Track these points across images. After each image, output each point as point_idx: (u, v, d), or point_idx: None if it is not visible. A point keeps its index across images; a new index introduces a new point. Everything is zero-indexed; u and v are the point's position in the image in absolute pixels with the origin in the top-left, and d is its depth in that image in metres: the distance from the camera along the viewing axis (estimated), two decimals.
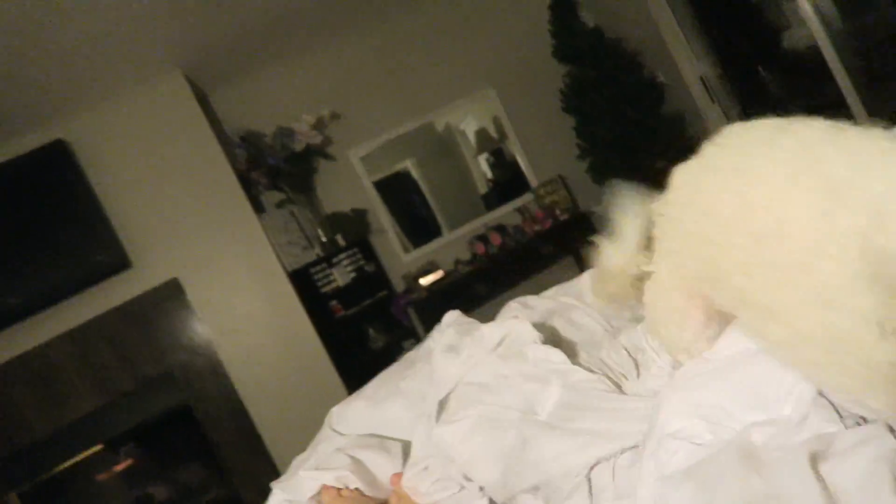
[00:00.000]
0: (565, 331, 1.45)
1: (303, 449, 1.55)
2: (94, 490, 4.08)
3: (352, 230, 4.62)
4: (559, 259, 4.75)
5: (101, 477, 4.09)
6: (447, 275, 4.67)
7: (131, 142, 3.89)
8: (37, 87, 3.42)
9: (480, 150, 5.29)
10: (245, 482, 3.84)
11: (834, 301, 0.61)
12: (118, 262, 3.70)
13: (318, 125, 4.52)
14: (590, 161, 4.74)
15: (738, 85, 4.52)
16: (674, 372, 1.03)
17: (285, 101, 4.69)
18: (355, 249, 4.57)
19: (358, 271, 4.53)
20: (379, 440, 1.55)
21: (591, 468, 1.02)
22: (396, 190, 5.09)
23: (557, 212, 4.90)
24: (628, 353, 1.25)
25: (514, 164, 5.24)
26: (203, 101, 4.28)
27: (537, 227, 4.82)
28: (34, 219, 3.60)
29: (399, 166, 5.13)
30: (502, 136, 5.22)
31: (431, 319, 1.69)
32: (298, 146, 4.47)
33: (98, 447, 3.98)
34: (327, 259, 4.48)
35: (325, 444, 1.60)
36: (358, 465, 1.37)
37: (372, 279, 4.56)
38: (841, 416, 0.74)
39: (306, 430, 1.77)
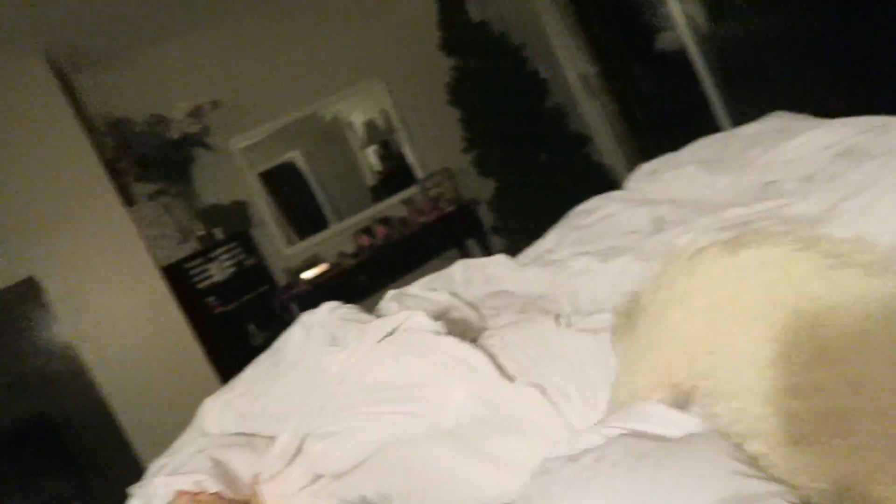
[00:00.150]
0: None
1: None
2: None
3: (232, 223, 4.47)
4: (443, 251, 4.79)
5: None
6: (331, 268, 4.60)
7: None
8: None
9: (368, 142, 5.23)
10: (112, 491, 3.59)
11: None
12: None
13: (196, 113, 4.31)
14: (475, 153, 4.79)
15: (615, 82, 4.71)
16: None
17: (161, 88, 4.43)
18: (235, 243, 4.43)
19: (238, 265, 4.39)
20: (247, 438, 1.50)
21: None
22: (282, 181, 4.95)
23: (443, 204, 4.93)
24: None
25: (402, 156, 5.22)
26: (66, 84, 3.98)
27: (423, 219, 4.83)
28: None
29: (285, 157, 4.99)
30: (390, 127, 5.18)
31: None
32: (174, 134, 4.24)
33: None
34: (204, 253, 4.32)
35: (188, 447, 1.53)
36: (219, 467, 1.33)
37: (252, 273, 4.44)
38: None
39: (181, 432, 1.70)
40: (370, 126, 5.22)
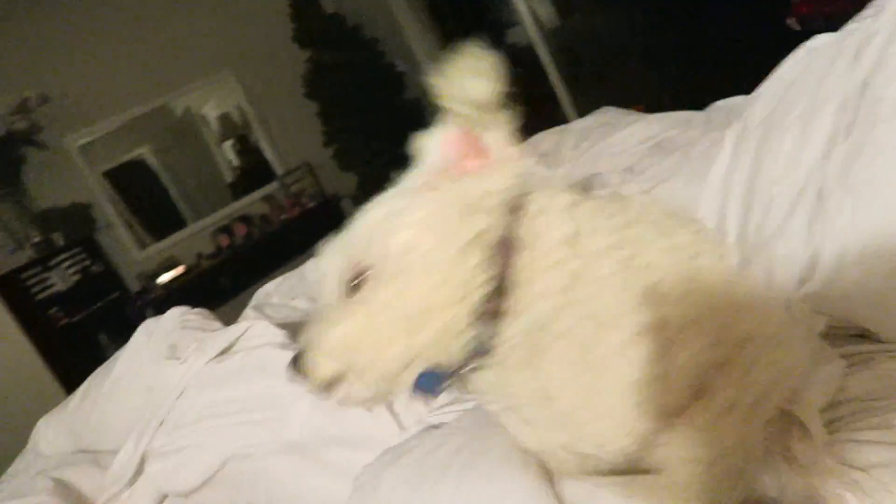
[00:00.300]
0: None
1: None
2: None
3: (73, 227, 4.19)
4: (308, 248, 4.71)
5: None
6: (189, 270, 4.41)
7: None
8: None
9: (224, 137, 5.03)
10: None
11: None
12: None
13: (22, 108, 3.94)
14: (335, 147, 4.76)
15: None
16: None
17: None
18: (79, 249, 4.15)
19: (83, 273, 4.11)
20: (92, 455, 1.43)
21: None
22: (131, 180, 4.66)
23: (305, 199, 4.86)
24: None
25: (260, 151, 5.07)
26: None
27: (285, 216, 4.74)
28: None
29: (133, 154, 4.70)
30: (246, 121, 5.01)
31: None
32: None
33: None
34: (42, 261, 4.00)
35: (24, 471, 1.44)
36: (61, 488, 1.26)
37: (101, 280, 4.19)
38: None
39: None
40: (225, 120, 5.02)
